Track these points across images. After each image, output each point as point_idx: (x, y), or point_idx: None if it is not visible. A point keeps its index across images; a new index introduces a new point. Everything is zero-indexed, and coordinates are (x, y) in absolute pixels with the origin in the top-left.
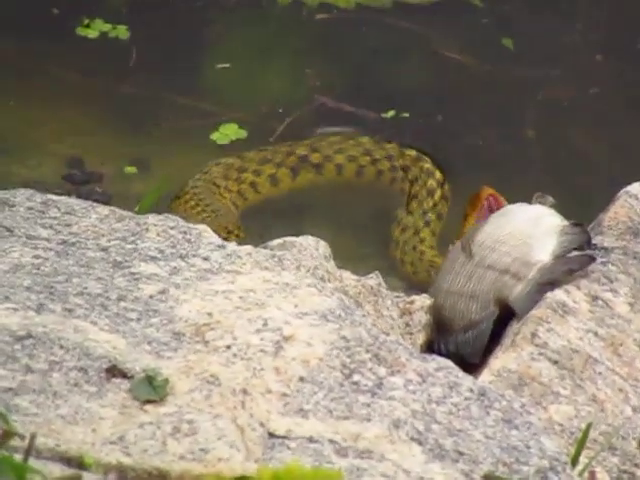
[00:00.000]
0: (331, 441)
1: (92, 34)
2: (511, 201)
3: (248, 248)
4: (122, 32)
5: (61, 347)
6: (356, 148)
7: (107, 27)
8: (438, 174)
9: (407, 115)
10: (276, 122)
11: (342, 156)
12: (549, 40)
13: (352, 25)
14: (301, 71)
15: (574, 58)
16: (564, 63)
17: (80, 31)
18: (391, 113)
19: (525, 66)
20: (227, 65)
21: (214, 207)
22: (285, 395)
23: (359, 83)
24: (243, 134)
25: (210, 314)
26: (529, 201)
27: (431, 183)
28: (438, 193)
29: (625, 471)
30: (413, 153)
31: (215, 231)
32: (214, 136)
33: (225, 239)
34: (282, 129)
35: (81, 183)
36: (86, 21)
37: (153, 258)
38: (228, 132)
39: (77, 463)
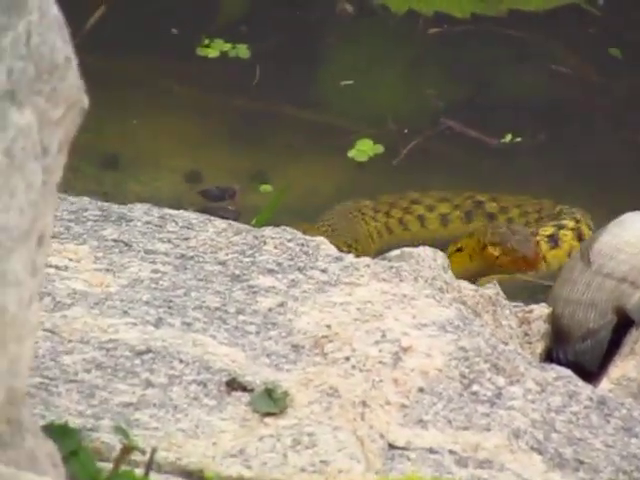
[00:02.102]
0: (451, 451)
1: (212, 54)
2: (628, 210)
3: (366, 260)
4: (242, 51)
5: (180, 361)
6: (534, 205)
7: (227, 46)
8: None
9: (520, 139)
10: (403, 142)
11: (518, 210)
12: None
13: (466, 38)
14: (421, 87)
15: None
16: None
17: (200, 51)
18: (508, 137)
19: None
20: (351, 82)
21: (335, 225)
22: (404, 406)
23: (477, 102)
24: (380, 149)
25: (328, 326)
26: None
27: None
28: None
29: None
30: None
31: (336, 245)
32: (351, 153)
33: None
34: (406, 151)
35: (216, 199)
36: (206, 41)
37: (271, 271)
38: (365, 148)
39: (198, 477)
